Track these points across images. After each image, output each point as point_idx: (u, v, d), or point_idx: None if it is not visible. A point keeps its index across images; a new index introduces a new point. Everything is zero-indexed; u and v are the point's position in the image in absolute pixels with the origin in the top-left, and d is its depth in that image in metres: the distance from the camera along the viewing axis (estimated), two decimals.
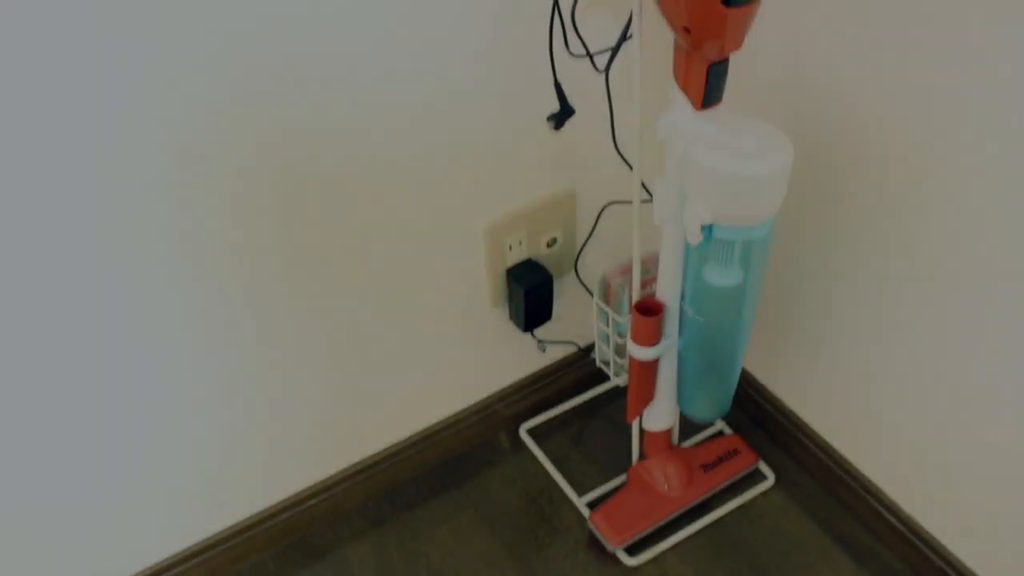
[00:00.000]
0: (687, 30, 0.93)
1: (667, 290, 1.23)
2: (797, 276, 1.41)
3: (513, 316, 1.51)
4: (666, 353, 1.31)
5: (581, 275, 1.55)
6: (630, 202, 1.23)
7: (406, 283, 1.35)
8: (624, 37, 1.08)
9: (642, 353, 1.29)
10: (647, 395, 1.39)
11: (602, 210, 1.47)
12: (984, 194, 1.05)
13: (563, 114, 1.17)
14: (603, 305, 1.45)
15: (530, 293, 1.44)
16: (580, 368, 1.75)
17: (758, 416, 1.69)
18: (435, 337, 1.47)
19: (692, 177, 1.01)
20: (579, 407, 1.77)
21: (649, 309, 1.26)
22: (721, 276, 1.10)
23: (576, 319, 1.65)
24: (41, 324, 1.05)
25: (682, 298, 1.20)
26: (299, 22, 1.00)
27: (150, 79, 0.95)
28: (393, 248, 1.29)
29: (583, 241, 1.50)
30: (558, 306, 1.57)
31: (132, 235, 1.05)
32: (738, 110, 1.04)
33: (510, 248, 1.41)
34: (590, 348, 1.73)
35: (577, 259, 1.52)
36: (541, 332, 1.61)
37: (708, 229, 1.03)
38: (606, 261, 1.55)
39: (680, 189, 1.08)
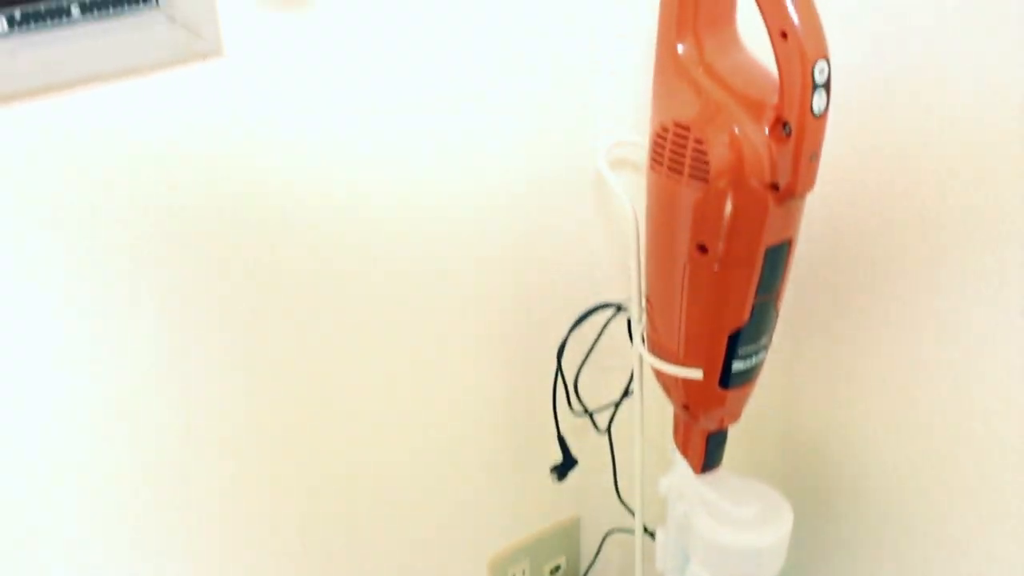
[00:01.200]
0: (686, 407, 0.91)
1: None
2: None
3: None
4: None
5: None
6: (633, 531, 1.18)
7: None
8: (626, 393, 1.07)
9: None
10: None
11: (605, 537, 1.41)
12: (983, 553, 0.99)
13: (566, 466, 1.14)
14: None
15: None
16: None
17: None
18: None
19: (693, 542, 0.97)
20: None
21: None
22: None
23: None
24: None
25: None
26: None
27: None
28: None
29: (586, 568, 1.43)
30: None
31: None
32: (737, 466, 1.01)
33: None
34: None
35: None
36: None
37: None
38: None
39: (681, 546, 1.03)
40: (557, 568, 1.40)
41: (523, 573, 1.36)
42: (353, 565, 1.18)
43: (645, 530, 1.16)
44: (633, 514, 1.19)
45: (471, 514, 1.26)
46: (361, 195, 0.96)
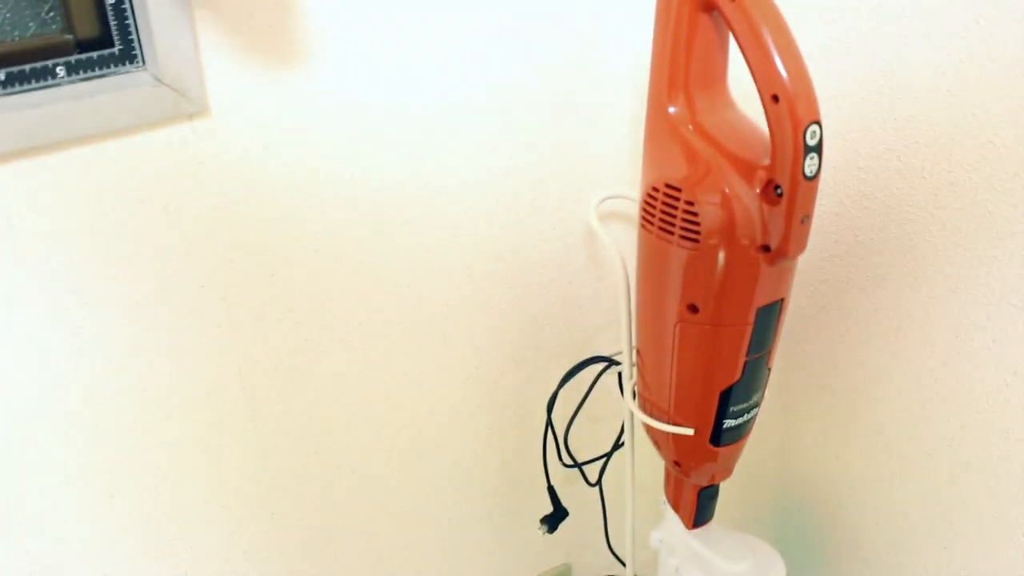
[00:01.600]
0: (676, 463, 0.89)
1: None
2: None
3: None
4: None
5: None
6: None
7: None
8: (617, 446, 1.05)
9: None
10: None
11: None
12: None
13: (556, 517, 1.12)
14: None
15: None
16: None
17: None
18: None
19: None
20: None
21: None
22: None
23: None
24: None
25: None
26: None
27: None
28: None
29: None
30: None
31: None
32: (729, 519, 0.99)
33: None
34: None
35: None
36: None
37: None
38: None
39: None
40: None
41: None
42: None
43: None
44: (624, 564, 1.17)
45: (461, 563, 1.23)
46: (352, 252, 0.94)
